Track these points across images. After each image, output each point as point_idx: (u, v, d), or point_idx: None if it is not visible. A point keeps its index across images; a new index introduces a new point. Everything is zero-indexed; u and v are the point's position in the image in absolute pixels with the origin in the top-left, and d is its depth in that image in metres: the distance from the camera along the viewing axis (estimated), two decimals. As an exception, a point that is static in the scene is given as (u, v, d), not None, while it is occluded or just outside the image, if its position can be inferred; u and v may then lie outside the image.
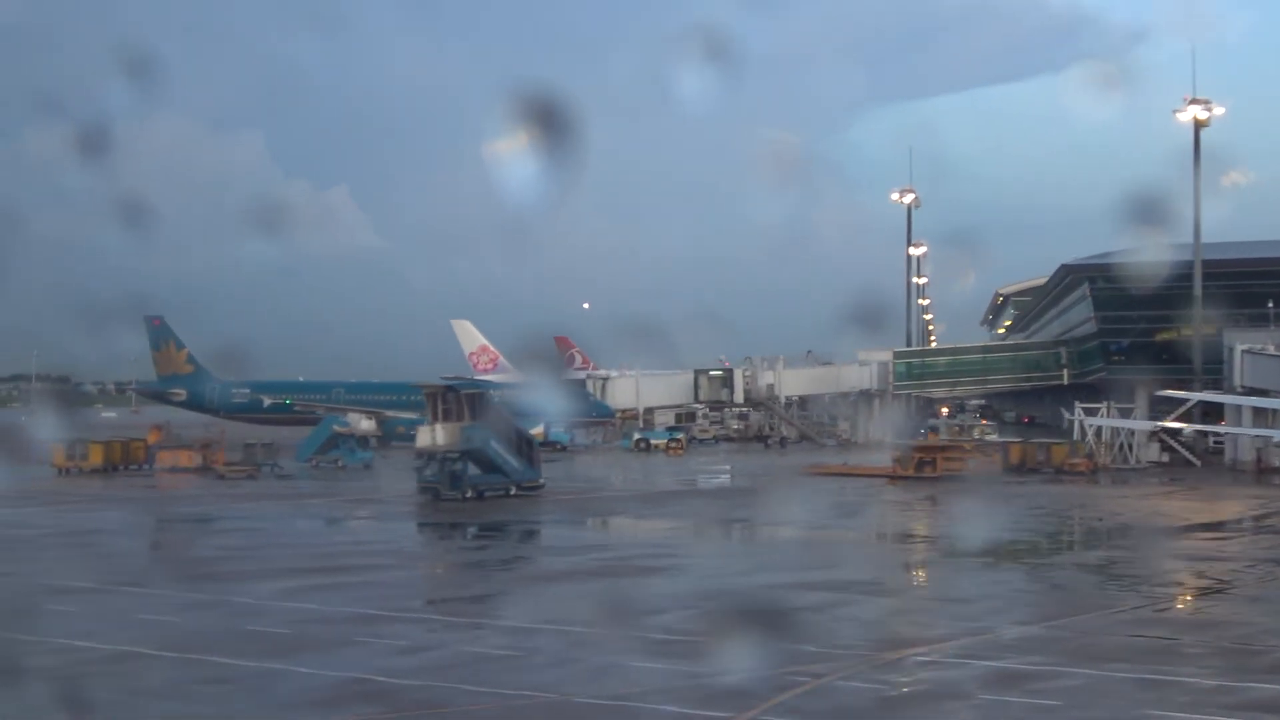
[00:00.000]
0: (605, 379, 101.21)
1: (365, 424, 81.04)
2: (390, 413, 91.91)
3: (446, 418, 55.73)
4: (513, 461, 56.02)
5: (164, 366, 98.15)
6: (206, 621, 26.71)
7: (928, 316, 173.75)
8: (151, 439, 75.03)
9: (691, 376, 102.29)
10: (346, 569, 35.25)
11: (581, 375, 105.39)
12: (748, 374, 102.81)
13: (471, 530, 45.94)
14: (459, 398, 56.16)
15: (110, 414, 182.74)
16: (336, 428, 76.61)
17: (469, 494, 54.01)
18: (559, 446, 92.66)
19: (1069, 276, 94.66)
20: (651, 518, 50.06)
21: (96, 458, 70.59)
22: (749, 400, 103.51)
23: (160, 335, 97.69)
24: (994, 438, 75.44)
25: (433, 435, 55.96)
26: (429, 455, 55.75)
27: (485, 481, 55.18)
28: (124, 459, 72.45)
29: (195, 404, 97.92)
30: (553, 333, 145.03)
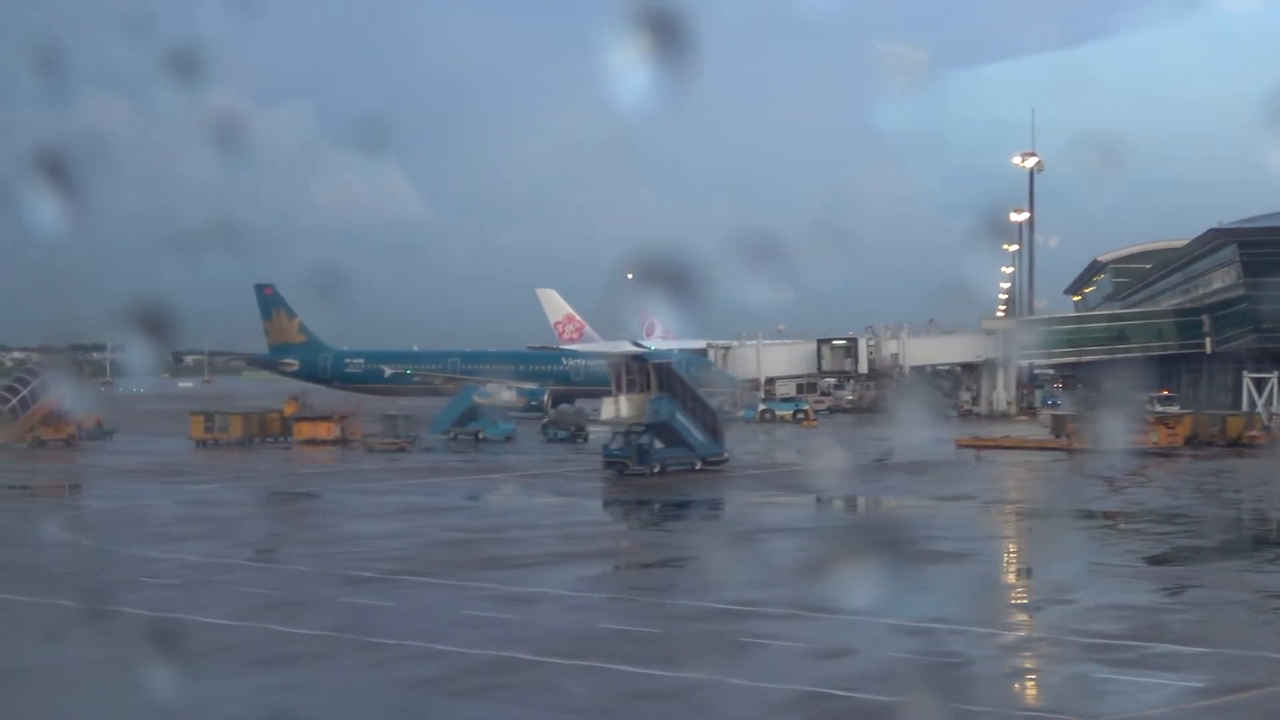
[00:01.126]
0: (726, 348, 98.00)
1: (506, 395, 78.24)
2: (509, 383, 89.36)
3: (631, 389, 53.14)
4: (697, 435, 53.18)
5: (275, 336, 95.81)
6: (549, 618, 23.85)
7: (1006, 285, 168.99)
8: (288, 410, 72.57)
9: (813, 346, 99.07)
10: (616, 552, 32.52)
11: (700, 345, 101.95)
12: (871, 343, 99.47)
13: (699, 509, 43.17)
14: (644, 369, 53.32)
15: (187, 384, 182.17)
16: (477, 398, 73.92)
17: (655, 469, 51.28)
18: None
19: (1216, 240, 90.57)
20: (869, 495, 46.93)
21: (237, 430, 68.31)
22: (872, 370, 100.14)
23: (271, 304, 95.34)
24: (1174, 409, 71.69)
25: (617, 408, 53.21)
26: (612, 428, 53.32)
27: (670, 455, 52.36)
28: (261, 431, 70.14)
29: (307, 374, 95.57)
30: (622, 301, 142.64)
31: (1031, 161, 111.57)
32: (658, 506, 44.02)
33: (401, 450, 64.18)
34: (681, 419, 52.75)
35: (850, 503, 44.26)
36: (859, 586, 27.75)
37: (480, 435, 71.28)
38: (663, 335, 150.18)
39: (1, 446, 64.54)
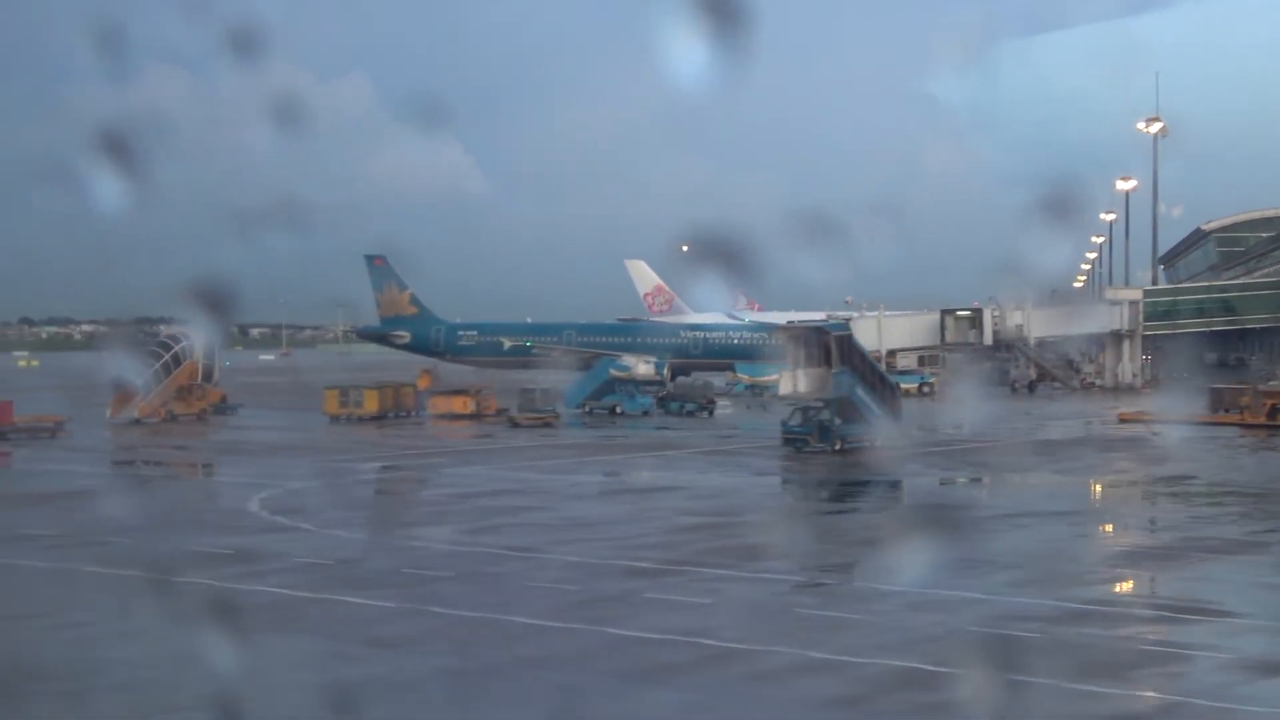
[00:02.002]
0: (847, 320, 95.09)
1: (644, 368, 75.88)
2: (626, 355, 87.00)
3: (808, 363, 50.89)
4: (876, 410, 50.70)
5: (386, 308, 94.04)
6: (898, 618, 21.45)
7: (1091, 254, 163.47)
8: (421, 384, 70.83)
9: (936, 317, 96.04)
10: (881, 540, 29.99)
11: (819, 316, 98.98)
12: (996, 314, 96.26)
13: (925, 492, 40.71)
14: (824, 340, 50.85)
15: (268, 356, 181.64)
16: (614, 371, 71.75)
17: (837, 446, 48.94)
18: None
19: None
20: (1085, 473, 44.25)
21: (372, 404, 66.50)
22: (997, 341, 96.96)
23: (382, 276, 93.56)
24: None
25: (794, 382, 50.87)
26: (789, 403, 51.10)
27: (850, 432, 49.95)
28: (394, 405, 68.35)
29: (419, 346, 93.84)
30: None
31: (1156, 127, 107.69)
32: (873, 488, 41.72)
33: (548, 425, 62.22)
34: (861, 393, 50.35)
35: (1088, 483, 41.53)
36: (1203, 580, 25.29)
37: (618, 409, 69.14)
38: (747, 306, 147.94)
39: (135, 421, 63.18)
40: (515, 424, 62.38)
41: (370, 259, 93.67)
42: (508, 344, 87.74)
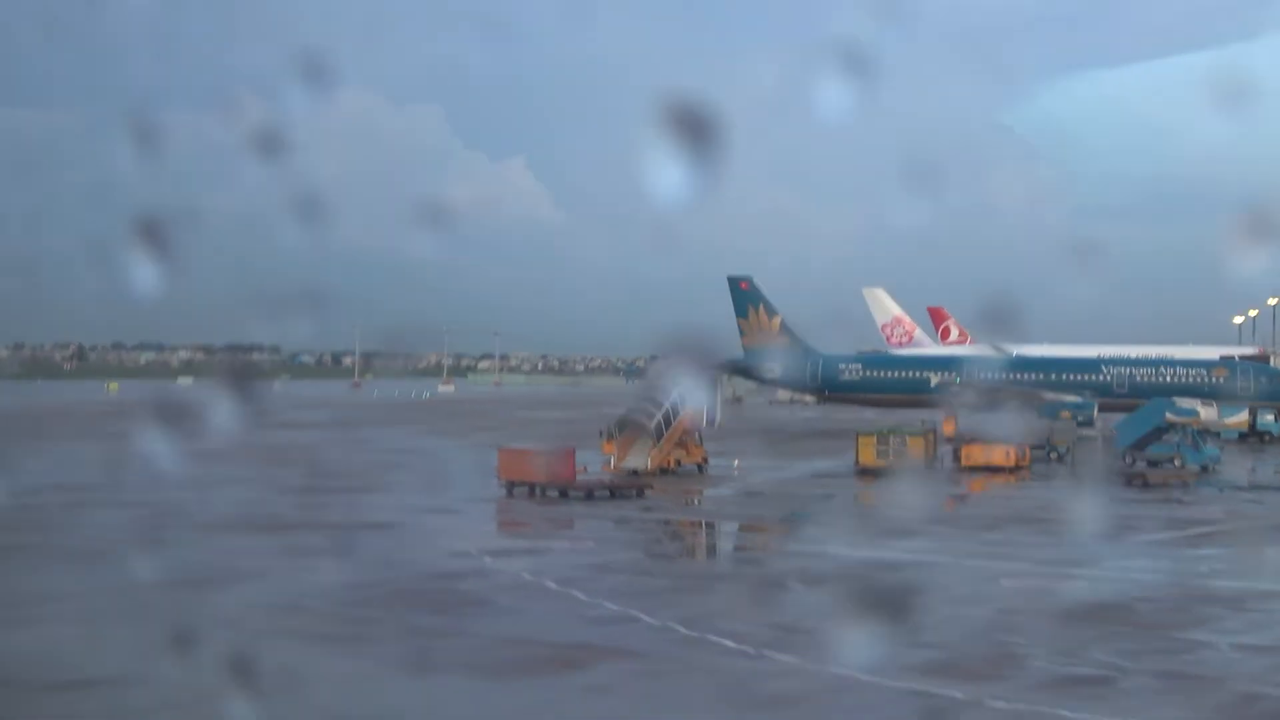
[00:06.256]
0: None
1: (1206, 412, 63.68)
2: (1049, 395, 75.07)
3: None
4: None
5: (751, 336, 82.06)
6: None
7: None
8: (946, 430, 58.94)
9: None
10: None
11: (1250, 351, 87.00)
12: None
13: None
14: None
15: (448, 388, 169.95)
16: (1169, 415, 59.62)
17: None
18: (1266, 437, 75.22)
19: None
20: None
21: (917, 453, 54.56)
22: None
23: (748, 299, 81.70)
24: None
25: None
26: None
27: None
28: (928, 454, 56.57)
29: (791, 381, 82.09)
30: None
31: None
32: None
33: (1184, 484, 50.30)
34: None
35: None
36: None
37: (1179, 463, 56.97)
38: (958, 339, 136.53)
39: (634, 473, 51.18)
40: (1137, 482, 50.35)
41: (734, 281, 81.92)
42: (935, 380, 75.35)
